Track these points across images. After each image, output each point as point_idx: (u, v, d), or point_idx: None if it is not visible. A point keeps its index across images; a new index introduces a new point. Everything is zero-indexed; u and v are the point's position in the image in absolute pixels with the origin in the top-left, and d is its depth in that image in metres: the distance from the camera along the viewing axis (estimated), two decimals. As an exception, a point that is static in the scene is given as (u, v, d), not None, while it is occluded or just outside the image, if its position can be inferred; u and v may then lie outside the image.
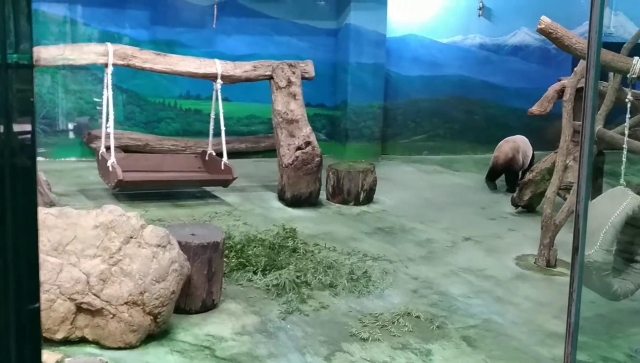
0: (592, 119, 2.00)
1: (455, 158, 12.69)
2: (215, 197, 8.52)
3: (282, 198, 8.37)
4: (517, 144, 9.76)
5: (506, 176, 9.78)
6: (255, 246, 6.17)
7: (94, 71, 10.38)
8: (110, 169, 7.66)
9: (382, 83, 12.10)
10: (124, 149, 9.92)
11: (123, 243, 4.28)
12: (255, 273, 5.58)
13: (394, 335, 4.64)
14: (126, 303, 4.15)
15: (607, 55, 5.05)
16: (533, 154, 9.87)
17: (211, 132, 8.81)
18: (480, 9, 12.74)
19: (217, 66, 8.39)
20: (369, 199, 8.65)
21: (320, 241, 6.71)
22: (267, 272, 5.59)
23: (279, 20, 11.74)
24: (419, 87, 12.72)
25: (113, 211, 4.44)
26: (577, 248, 2.26)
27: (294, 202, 8.22)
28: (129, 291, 4.16)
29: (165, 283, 4.28)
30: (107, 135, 7.93)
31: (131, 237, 4.32)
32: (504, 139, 10.01)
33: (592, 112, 2.02)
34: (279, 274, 5.51)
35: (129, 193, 8.32)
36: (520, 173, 9.59)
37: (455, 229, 7.61)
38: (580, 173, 2.14)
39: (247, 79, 8.63)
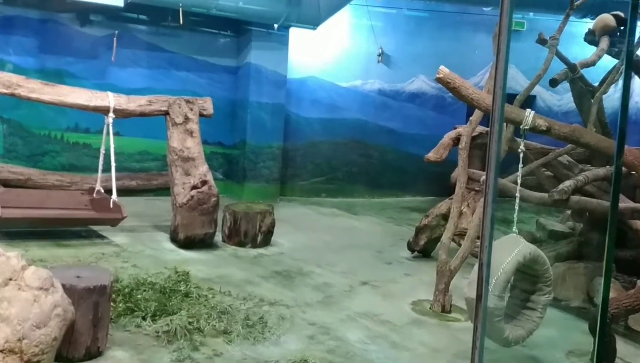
0: (496, 169, 2.00)
1: (353, 201, 12.82)
2: (102, 237, 8.16)
3: (174, 239, 8.11)
4: None
5: None
6: (144, 290, 5.96)
7: (-27, 99, 9.82)
8: (-12, 205, 7.21)
9: (281, 124, 12.12)
10: (4, 183, 9.44)
11: (1, 286, 4.03)
12: (144, 318, 5.36)
13: (290, 384, 4.51)
14: (2, 350, 3.91)
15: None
16: None
17: (100, 167, 8.35)
18: (379, 55, 13.06)
19: (109, 99, 8.05)
20: (266, 241, 8.53)
21: (215, 285, 6.51)
22: (157, 318, 5.37)
23: (176, 55, 11.58)
24: (318, 130, 12.82)
25: (-10, 251, 4.13)
26: (480, 296, 2.24)
27: (188, 243, 7.98)
28: (5, 337, 3.89)
29: (47, 329, 4.03)
30: (-14, 168, 7.47)
31: (10, 279, 4.08)
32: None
33: (496, 163, 2.02)
34: (170, 320, 5.30)
35: (8, 230, 7.84)
36: None
37: (352, 273, 7.60)
38: (484, 222, 2.13)
39: (142, 114, 8.35)
